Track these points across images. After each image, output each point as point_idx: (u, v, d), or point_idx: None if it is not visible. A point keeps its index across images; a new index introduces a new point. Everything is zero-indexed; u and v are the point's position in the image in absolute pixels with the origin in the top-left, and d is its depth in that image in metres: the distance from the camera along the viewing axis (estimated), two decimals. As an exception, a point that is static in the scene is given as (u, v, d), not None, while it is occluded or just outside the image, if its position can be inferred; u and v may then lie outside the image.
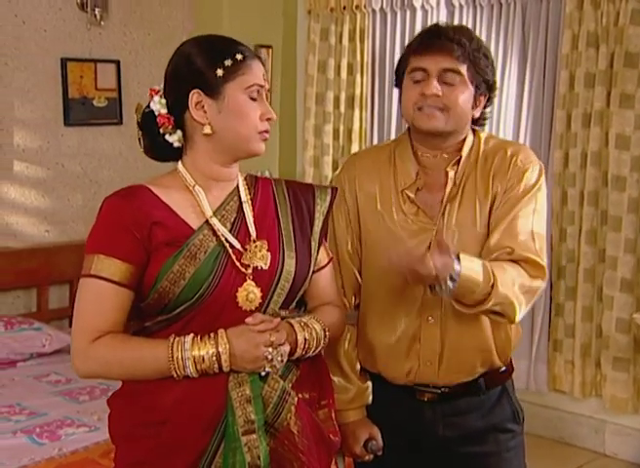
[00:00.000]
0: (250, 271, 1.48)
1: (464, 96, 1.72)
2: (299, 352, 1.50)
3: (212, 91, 1.47)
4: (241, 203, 1.53)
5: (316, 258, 1.59)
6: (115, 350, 1.43)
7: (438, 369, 1.77)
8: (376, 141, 4.24)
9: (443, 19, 3.97)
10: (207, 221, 1.49)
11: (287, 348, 1.46)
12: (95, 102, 3.93)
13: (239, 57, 1.46)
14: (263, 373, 1.44)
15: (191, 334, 1.42)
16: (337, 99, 4.35)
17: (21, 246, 3.74)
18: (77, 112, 3.87)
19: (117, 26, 4.03)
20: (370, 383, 1.85)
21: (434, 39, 1.73)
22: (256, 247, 1.49)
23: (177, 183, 1.52)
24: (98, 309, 1.43)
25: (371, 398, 1.85)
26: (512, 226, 1.72)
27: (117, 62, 4.00)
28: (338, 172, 1.92)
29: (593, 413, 3.75)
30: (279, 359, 1.43)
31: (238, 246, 1.49)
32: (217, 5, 4.40)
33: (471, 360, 1.79)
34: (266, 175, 4.47)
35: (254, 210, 1.54)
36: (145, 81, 4.01)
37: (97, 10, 3.92)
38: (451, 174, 1.76)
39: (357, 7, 4.21)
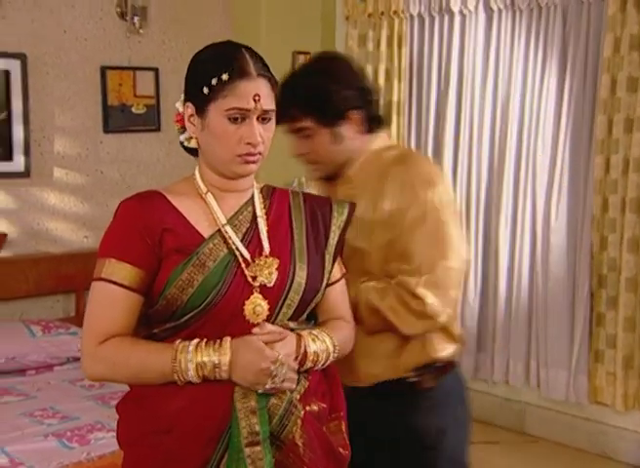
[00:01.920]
0: (258, 284, 1.46)
1: (318, 142, 1.80)
2: (308, 364, 1.48)
3: (199, 107, 1.46)
4: (255, 215, 1.52)
5: (330, 272, 1.57)
6: (122, 352, 1.43)
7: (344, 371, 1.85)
8: (413, 148, 4.20)
9: (481, 23, 3.93)
10: (219, 230, 1.48)
11: (293, 373, 1.44)
12: (133, 109, 3.99)
13: (224, 77, 1.41)
14: (260, 391, 1.42)
15: (196, 339, 1.42)
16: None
17: (61, 251, 3.81)
18: (116, 119, 3.92)
19: (156, 34, 4.07)
20: None
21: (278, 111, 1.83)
22: (265, 263, 1.47)
23: (191, 190, 1.52)
24: (107, 312, 1.44)
25: None
26: None
27: (156, 70, 4.05)
28: None
29: (636, 427, 3.65)
30: (281, 377, 1.41)
31: (248, 257, 1.48)
32: (254, 12, 4.42)
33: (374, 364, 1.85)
34: (296, 183, 4.46)
35: (268, 221, 1.53)
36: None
37: (136, 18, 3.98)
38: (341, 191, 1.87)
39: (395, 12, 4.18)
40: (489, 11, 3.92)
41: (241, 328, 1.43)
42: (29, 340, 3.43)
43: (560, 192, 3.74)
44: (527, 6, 3.76)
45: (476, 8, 3.94)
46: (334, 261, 1.58)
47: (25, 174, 3.66)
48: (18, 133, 3.61)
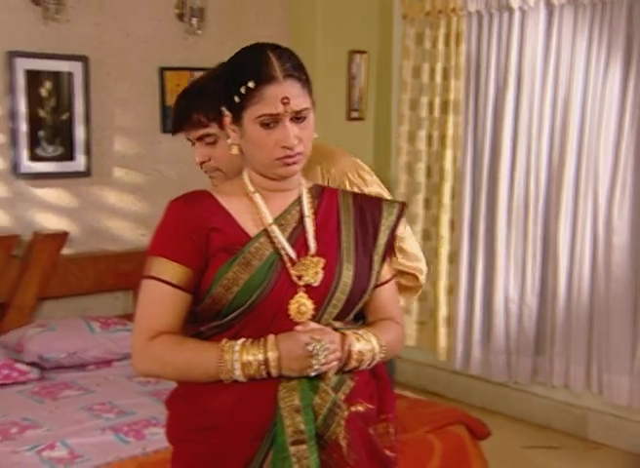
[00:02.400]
0: (303, 283, 1.46)
1: (224, 150, 1.71)
2: (352, 363, 1.47)
3: (234, 115, 1.48)
4: (302, 215, 1.52)
5: (378, 272, 1.56)
6: (170, 350, 1.45)
7: None
8: (470, 148, 4.15)
9: (542, 19, 3.85)
10: (265, 229, 1.49)
11: (336, 354, 1.43)
12: (190, 110, 4.03)
13: (251, 85, 1.41)
14: (313, 374, 1.41)
15: (242, 339, 1.43)
16: (431, 105, 4.28)
17: (120, 249, 3.88)
18: (174, 120, 3.98)
19: (213, 35, 4.12)
20: None
21: (180, 118, 1.80)
22: (311, 262, 1.47)
23: (239, 190, 1.53)
24: (156, 310, 1.46)
25: None
26: None
27: (213, 71, 4.09)
28: None
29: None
30: (323, 353, 1.40)
31: (294, 256, 1.48)
32: (311, 12, 4.43)
33: None
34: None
35: (315, 221, 1.52)
36: (240, 89, 4.06)
37: (194, 20, 4.03)
38: None
39: (453, 10, 4.13)
40: (550, 7, 3.83)
41: (286, 327, 1.44)
42: (89, 336, 3.51)
43: (623, 192, 3.64)
44: (590, 1, 3.67)
45: (537, 4, 3.86)
46: (382, 262, 1.57)
47: (86, 173, 3.74)
48: (79, 133, 3.70)
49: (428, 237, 4.37)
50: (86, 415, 2.94)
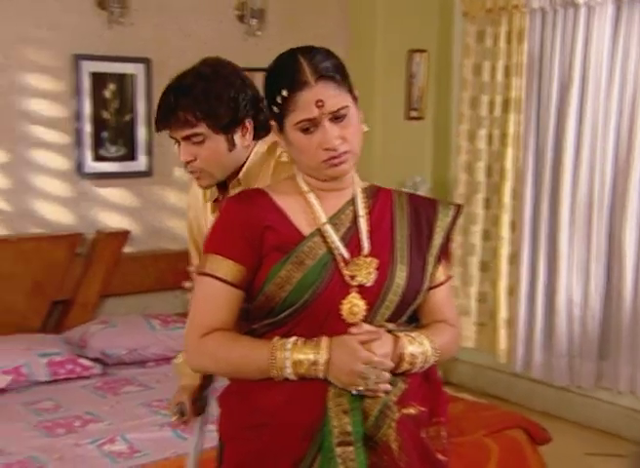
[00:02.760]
0: (355, 283, 1.46)
1: (211, 149, 1.75)
2: (405, 366, 1.46)
3: (278, 124, 1.49)
4: (356, 215, 1.51)
5: (432, 274, 1.55)
6: (223, 346, 1.46)
7: None
8: (532, 147, 4.06)
9: (610, 15, 3.74)
10: (318, 229, 1.48)
11: (386, 375, 1.42)
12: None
13: (285, 93, 1.42)
14: (354, 392, 1.41)
15: (295, 337, 1.43)
16: (491, 103, 4.22)
17: (180, 248, 3.93)
18: (233, 120, 4.02)
19: (273, 36, 4.14)
20: None
21: (167, 117, 1.75)
22: (364, 262, 1.47)
23: (293, 189, 1.53)
24: (210, 307, 1.48)
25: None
26: None
27: (272, 71, 4.11)
28: None
29: None
30: (374, 379, 1.40)
31: (347, 256, 1.47)
32: (370, 11, 4.42)
33: None
34: (411, 182, 4.42)
35: (369, 221, 1.52)
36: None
37: (254, 21, 4.07)
38: (233, 192, 1.81)
39: (515, 7, 4.06)
40: (617, 2, 3.73)
41: (338, 327, 1.43)
42: (149, 333, 3.58)
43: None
44: (658, -5, 3.56)
45: (604, 0, 3.75)
46: (437, 264, 1.56)
47: (148, 173, 3.82)
48: (141, 134, 3.77)
49: (488, 237, 4.31)
50: (145, 411, 3.00)
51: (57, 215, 3.70)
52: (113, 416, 2.95)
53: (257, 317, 1.49)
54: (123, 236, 3.73)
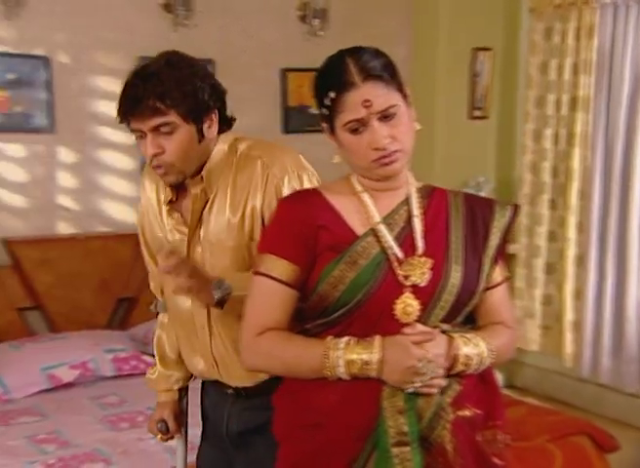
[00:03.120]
0: (409, 283, 1.45)
1: (181, 140, 1.67)
2: (459, 367, 1.44)
3: (328, 125, 1.48)
4: (410, 215, 1.50)
5: (488, 275, 1.52)
6: (277, 345, 1.46)
7: (219, 371, 1.82)
8: (600, 147, 3.95)
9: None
10: (372, 228, 1.48)
11: (440, 370, 1.40)
12: (311, 110, 4.08)
13: (332, 95, 1.42)
14: (411, 390, 1.39)
15: (347, 337, 1.42)
16: (558, 102, 4.12)
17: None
18: (295, 120, 4.04)
19: (335, 36, 4.14)
20: (178, 372, 1.97)
21: (135, 105, 1.65)
22: (418, 262, 1.46)
23: (347, 189, 1.53)
24: (264, 306, 1.48)
25: (179, 385, 1.99)
26: None
27: (335, 71, 4.12)
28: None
29: None
30: (429, 375, 1.38)
31: (401, 256, 1.46)
32: (434, 9, 4.38)
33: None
34: (474, 182, 4.35)
35: (424, 221, 1.50)
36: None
37: (316, 21, 4.08)
38: (194, 191, 1.75)
39: (585, 2, 3.95)
40: (692, -5, 3.60)
41: (391, 327, 1.42)
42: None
43: None
44: None
45: (678, -7, 3.63)
46: (493, 264, 1.53)
47: (210, 173, 3.86)
48: (204, 134, 3.82)
49: (554, 239, 4.21)
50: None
51: (123, 215, 3.79)
52: (176, 412, 2.99)
53: (310, 317, 1.49)
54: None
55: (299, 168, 1.76)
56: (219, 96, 1.75)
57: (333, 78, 1.44)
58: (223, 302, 1.65)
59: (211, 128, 1.72)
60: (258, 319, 1.48)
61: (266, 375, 1.71)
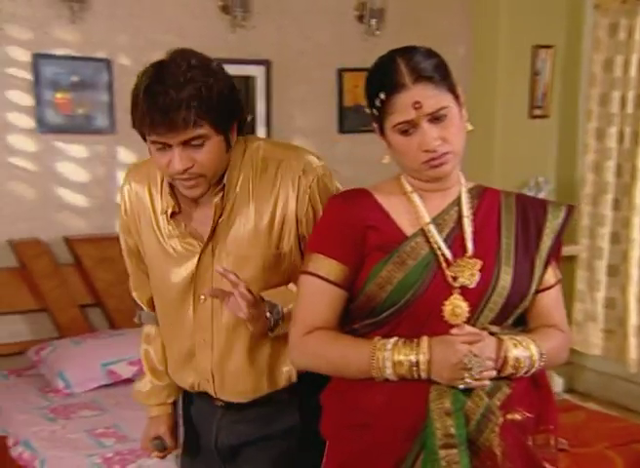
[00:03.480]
0: (458, 285, 1.43)
1: (212, 151, 1.55)
2: (508, 370, 1.42)
3: (378, 126, 1.48)
4: (461, 215, 1.49)
5: (540, 277, 1.50)
6: (324, 345, 1.46)
7: (214, 387, 1.73)
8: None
9: None
10: (422, 229, 1.47)
11: (490, 362, 1.38)
12: (366, 110, 4.06)
13: (382, 96, 1.41)
14: (462, 387, 1.38)
15: (395, 338, 1.41)
16: (623, 100, 4.01)
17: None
18: (351, 120, 4.03)
19: (392, 35, 4.11)
20: (172, 384, 1.85)
21: (165, 117, 1.48)
22: (467, 264, 1.44)
23: (397, 189, 1.52)
24: (312, 305, 1.49)
25: (173, 397, 1.88)
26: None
27: (392, 71, 4.10)
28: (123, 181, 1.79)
29: None
30: (477, 369, 1.36)
31: (450, 257, 1.45)
32: (494, 6, 4.30)
33: (247, 381, 1.71)
34: (534, 182, 4.26)
35: (474, 222, 1.49)
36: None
37: (373, 21, 4.06)
38: (215, 199, 1.63)
39: (652, -3, 3.84)
40: None
41: (439, 328, 1.41)
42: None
43: None
44: None
45: None
46: (545, 266, 1.50)
47: (267, 173, 3.89)
48: (260, 134, 3.85)
49: (617, 240, 4.10)
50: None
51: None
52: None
53: (358, 317, 1.49)
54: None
55: (323, 165, 1.69)
56: (239, 98, 1.61)
57: (383, 79, 1.43)
58: (275, 326, 1.57)
59: (233, 134, 1.60)
60: (305, 318, 1.48)
61: (264, 392, 1.69)
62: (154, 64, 1.54)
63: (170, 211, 1.66)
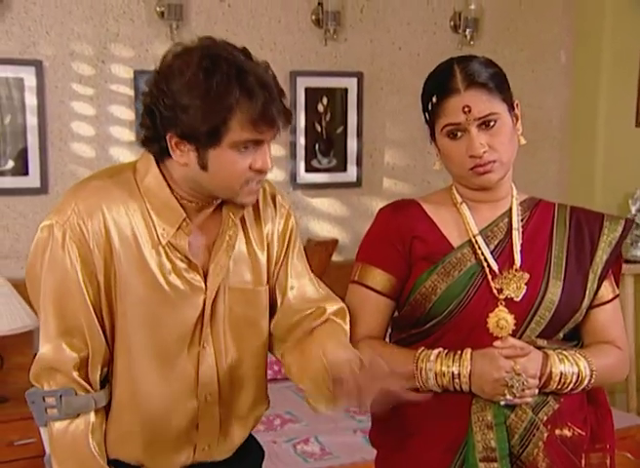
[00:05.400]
0: (503, 297, 1.42)
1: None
2: (552, 385, 1.39)
3: (431, 131, 1.48)
4: (511, 227, 1.47)
5: (595, 292, 1.46)
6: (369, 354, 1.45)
7: (217, 448, 1.49)
8: None
9: None
10: (469, 240, 1.46)
11: (533, 380, 1.36)
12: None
13: (434, 99, 1.43)
14: (502, 403, 1.36)
15: (439, 349, 1.41)
16: None
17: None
18: (443, 131, 3.99)
19: (488, 45, 4.05)
20: None
21: (278, 111, 1.32)
22: (514, 276, 1.43)
23: (446, 200, 1.53)
24: (359, 315, 1.51)
25: None
26: (308, 283, 1.51)
27: (486, 80, 4.03)
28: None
29: None
30: (519, 387, 1.34)
31: (496, 269, 1.44)
32: (598, 10, 4.16)
33: (241, 429, 1.54)
34: (639, 193, 4.06)
35: (524, 234, 1.47)
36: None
37: (468, 31, 4.01)
38: (235, 217, 1.42)
39: None
40: None
41: (484, 340, 1.40)
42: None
43: None
44: None
45: None
46: (600, 281, 1.47)
47: (357, 183, 3.91)
48: (352, 145, 3.88)
49: None
50: (342, 416, 3.06)
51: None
52: (311, 418, 3.05)
53: (405, 327, 1.50)
54: (332, 245, 3.85)
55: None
56: None
57: (438, 83, 1.46)
58: None
59: None
60: (353, 327, 1.50)
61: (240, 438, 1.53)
62: (204, 51, 1.35)
63: (169, 234, 1.37)
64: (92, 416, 1.36)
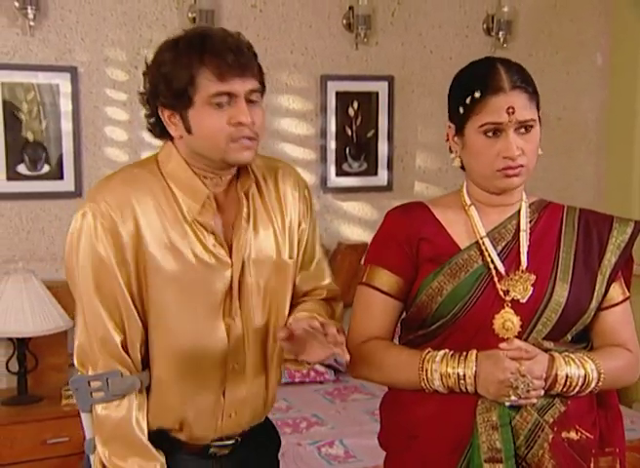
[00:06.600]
0: (509, 298, 1.42)
1: (263, 114, 1.45)
2: (557, 387, 1.38)
3: (458, 126, 1.46)
4: (518, 229, 1.47)
5: (603, 294, 1.45)
6: (376, 355, 1.49)
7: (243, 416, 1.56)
8: None
9: None
10: (477, 242, 1.46)
11: (538, 382, 1.35)
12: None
13: (477, 95, 1.40)
14: (507, 404, 1.36)
15: (445, 350, 1.42)
16: None
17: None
18: (475, 134, 3.97)
19: (522, 47, 4.02)
20: (162, 457, 1.48)
21: (239, 59, 1.37)
22: (520, 278, 1.42)
23: (455, 203, 1.53)
24: (366, 315, 1.52)
25: None
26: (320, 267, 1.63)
27: (520, 83, 4.00)
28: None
29: None
30: (524, 388, 1.33)
31: (502, 270, 1.44)
32: (636, 15, 4.09)
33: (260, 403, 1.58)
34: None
35: (532, 236, 1.47)
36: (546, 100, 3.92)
37: (501, 33, 3.98)
38: (249, 189, 1.51)
39: None
40: None
41: (489, 342, 1.39)
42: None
43: None
44: None
45: None
46: (609, 283, 1.45)
47: (388, 187, 3.91)
48: (383, 149, 3.88)
49: None
50: (367, 418, 3.07)
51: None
52: (336, 421, 3.06)
53: (411, 327, 1.51)
54: (362, 248, 3.85)
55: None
56: None
57: (481, 79, 1.44)
58: None
59: None
60: (360, 328, 1.52)
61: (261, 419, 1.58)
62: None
63: (195, 211, 1.44)
64: (136, 396, 1.44)
